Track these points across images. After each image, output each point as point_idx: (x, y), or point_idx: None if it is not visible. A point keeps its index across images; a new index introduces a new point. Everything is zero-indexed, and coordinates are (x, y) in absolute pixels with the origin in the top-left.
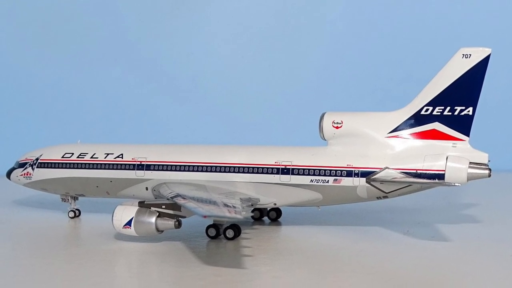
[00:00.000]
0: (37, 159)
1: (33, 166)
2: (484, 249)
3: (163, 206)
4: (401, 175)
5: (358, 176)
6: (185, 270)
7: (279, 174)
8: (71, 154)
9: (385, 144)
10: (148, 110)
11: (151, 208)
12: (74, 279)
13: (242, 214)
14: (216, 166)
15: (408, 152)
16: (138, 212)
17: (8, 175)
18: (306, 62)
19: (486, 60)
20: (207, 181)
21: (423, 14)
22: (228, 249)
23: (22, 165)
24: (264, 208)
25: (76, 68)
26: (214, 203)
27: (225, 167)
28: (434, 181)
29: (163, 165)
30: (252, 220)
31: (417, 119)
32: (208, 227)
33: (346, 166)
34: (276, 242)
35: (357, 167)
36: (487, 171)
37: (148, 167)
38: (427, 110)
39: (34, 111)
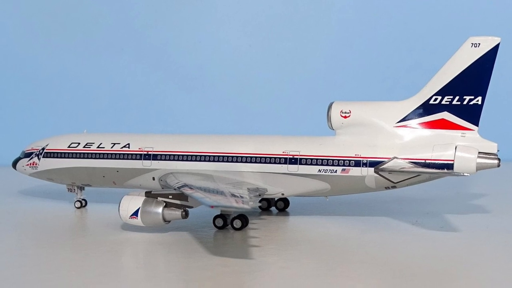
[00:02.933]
0: (43, 149)
1: (39, 156)
2: (493, 239)
3: (170, 196)
4: (410, 165)
5: (366, 166)
6: (192, 260)
7: (286, 164)
8: (77, 144)
9: (393, 134)
10: (155, 99)
11: (158, 198)
12: (80, 269)
13: (249, 204)
14: (223, 156)
15: (416, 141)
16: (144, 202)
17: (14, 165)
18: (315, 51)
19: (495, 49)
20: (215, 171)
21: (432, 3)
22: (236, 239)
23: (28, 155)
24: (272, 198)
25: (83, 57)
26: (221, 193)
27: (232, 157)
28: (443, 171)
29: (170, 155)
30: (260, 210)
31: (426, 108)
32: (216, 217)
33: (354, 156)
34: (284, 232)
35: (365, 157)
36: (496, 161)
37: (155, 157)
38: (436, 99)
39: (40, 100)
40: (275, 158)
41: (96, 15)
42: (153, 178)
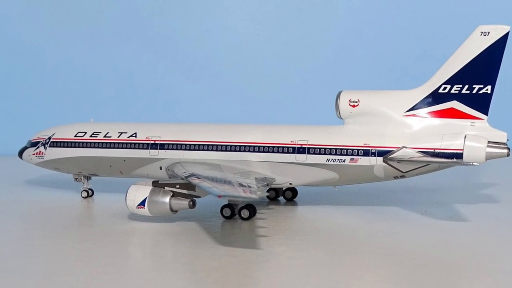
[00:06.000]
0: (49, 138)
1: (46, 145)
2: (503, 229)
3: (177, 186)
4: (419, 155)
5: (375, 156)
6: (200, 250)
7: (295, 153)
8: (84, 133)
9: (402, 123)
10: (162, 88)
11: (165, 188)
12: (87, 259)
13: (257, 194)
14: (231, 145)
15: (425, 131)
16: (152, 192)
17: (20, 154)
18: (323, 40)
19: (504, 38)
20: (222, 160)
21: None
22: (243, 229)
23: (34, 144)
24: (280, 188)
25: (89, 46)
26: (229, 182)
27: (240, 146)
28: (452, 160)
29: (177, 144)
30: (268, 200)
31: (435, 97)
32: (223, 207)
33: (362, 145)
34: (292, 222)
35: (374, 146)
36: (505, 150)
37: (162, 146)
38: (445, 88)
39: (47, 89)
40: (283, 147)
41: (102, 3)
42: (160, 168)
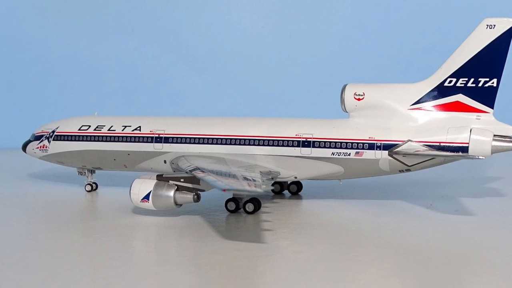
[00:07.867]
0: (53, 131)
1: (49, 139)
2: (508, 223)
3: (182, 180)
4: (424, 148)
5: (380, 149)
6: (204, 244)
7: (299, 147)
8: (88, 127)
9: (407, 117)
10: (167, 81)
11: (170, 181)
12: (91, 253)
13: (262, 187)
14: (235, 139)
15: (431, 124)
16: (156, 186)
17: (24, 148)
18: (328, 33)
19: (510, 31)
20: (227, 154)
21: None
22: (248, 223)
23: (38, 137)
24: (285, 182)
25: (93, 39)
26: (233, 176)
27: (244, 139)
28: (457, 154)
29: (181, 137)
30: (272, 194)
31: (441, 91)
32: (228, 201)
33: (368, 138)
34: (297, 216)
35: (379, 139)
36: (511, 144)
37: (166, 140)
38: (450, 81)
39: (51, 82)
40: (288, 141)
41: None
42: (165, 161)
